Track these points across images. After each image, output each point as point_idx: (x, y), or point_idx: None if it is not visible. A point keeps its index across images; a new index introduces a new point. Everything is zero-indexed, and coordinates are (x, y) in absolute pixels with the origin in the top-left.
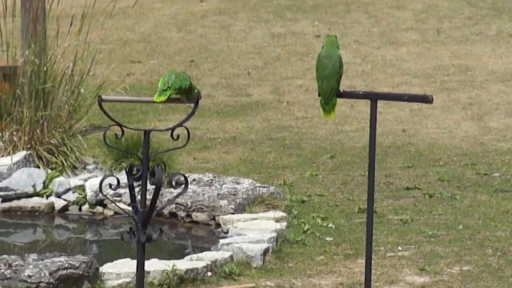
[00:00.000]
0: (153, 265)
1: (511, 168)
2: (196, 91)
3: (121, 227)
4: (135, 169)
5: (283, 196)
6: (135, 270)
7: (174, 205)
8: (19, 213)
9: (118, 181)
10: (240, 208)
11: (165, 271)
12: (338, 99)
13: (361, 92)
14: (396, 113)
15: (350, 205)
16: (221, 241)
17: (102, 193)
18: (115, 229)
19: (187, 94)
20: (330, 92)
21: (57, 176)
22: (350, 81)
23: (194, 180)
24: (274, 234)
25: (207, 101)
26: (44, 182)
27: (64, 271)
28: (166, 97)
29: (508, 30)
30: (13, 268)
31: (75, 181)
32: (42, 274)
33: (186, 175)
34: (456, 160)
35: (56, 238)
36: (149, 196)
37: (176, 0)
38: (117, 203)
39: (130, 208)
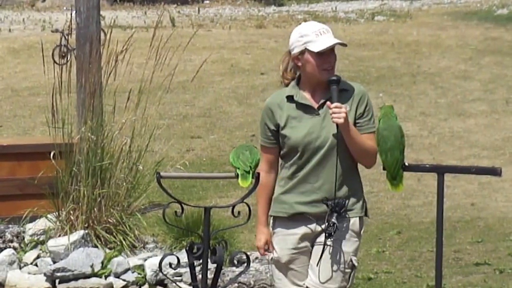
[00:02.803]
0: None
1: None
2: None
3: None
4: (195, 247)
5: (355, 271)
6: None
7: (236, 284)
8: None
9: (179, 260)
10: None
11: None
12: (404, 172)
13: (427, 165)
14: (464, 187)
15: (418, 282)
16: None
17: (162, 273)
18: None
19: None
20: (396, 165)
21: (116, 256)
22: (417, 154)
23: (256, 258)
24: None
25: None
26: (102, 262)
27: None
28: (251, 178)
29: None
30: None
31: (134, 260)
32: None
33: (248, 253)
34: None
35: None
36: (210, 275)
37: (236, 73)
38: (177, 283)
39: None
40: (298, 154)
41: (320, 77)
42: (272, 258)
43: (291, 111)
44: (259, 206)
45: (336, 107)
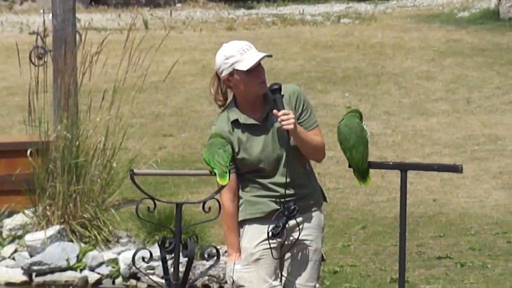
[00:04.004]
0: None
1: None
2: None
3: None
4: (167, 242)
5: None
6: None
7: (206, 277)
8: (53, 287)
9: (151, 254)
10: None
11: None
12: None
13: (391, 163)
14: (427, 183)
15: (382, 275)
16: None
17: (135, 266)
18: None
19: None
20: (363, 159)
21: (91, 250)
22: (381, 151)
23: (226, 252)
24: None
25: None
26: (77, 256)
27: None
28: (229, 175)
29: None
30: None
31: (108, 254)
32: None
33: (218, 247)
34: (487, 229)
35: None
36: (182, 269)
37: (207, 74)
38: (150, 276)
39: (163, 281)
40: (262, 169)
41: (257, 92)
42: (243, 260)
43: (240, 134)
44: (231, 233)
45: (284, 114)
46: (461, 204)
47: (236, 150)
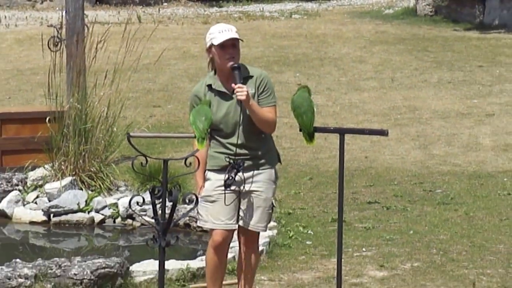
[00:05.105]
0: (172, 265)
1: (450, 186)
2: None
3: (146, 235)
4: (156, 190)
5: (274, 209)
6: (157, 268)
7: (187, 218)
8: (67, 225)
9: (144, 199)
10: None
11: (181, 269)
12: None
13: (332, 128)
14: (360, 144)
15: (325, 216)
16: None
17: (131, 209)
18: (142, 237)
19: None
20: (310, 123)
21: (96, 196)
22: (324, 119)
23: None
24: (267, 239)
25: None
26: (86, 201)
27: (102, 270)
28: (205, 142)
29: (447, 78)
30: (62, 268)
31: (110, 200)
32: (85, 273)
33: (197, 194)
34: (407, 180)
35: (96, 245)
36: (168, 211)
37: (188, 57)
38: (143, 217)
39: (153, 220)
40: (222, 128)
41: (225, 65)
42: (203, 197)
43: (211, 97)
44: (199, 171)
45: (239, 87)
46: (387, 160)
47: None
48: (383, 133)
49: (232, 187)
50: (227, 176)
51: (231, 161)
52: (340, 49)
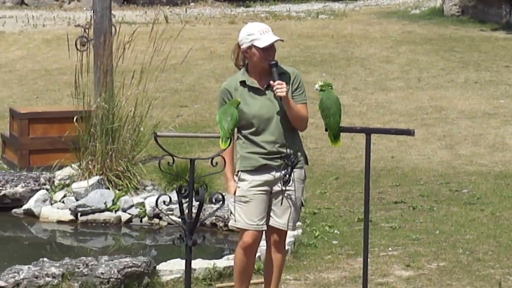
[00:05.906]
0: (198, 264)
1: (476, 186)
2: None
3: (173, 235)
4: (183, 189)
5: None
6: (184, 267)
7: (214, 217)
8: (94, 224)
9: (170, 199)
10: None
11: (208, 268)
12: (341, 132)
13: (358, 128)
14: (386, 144)
15: (351, 216)
16: None
17: (158, 208)
18: (168, 236)
19: None
20: (337, 125)
21: (123, 196)
22: (350, 119)
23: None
24: (292, 239)
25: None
26: (113, 200)
27: (129, 269)
28: (229, 142)
29: (473, 78)
30: (89, 267)
31: (137, 199)
32: (112, 272)
33: (224, 194)
34: (434, 180)
35: (123, 244)
36: (194, 210)
37: (214, 57)
38: (169, 216)
39: (179, 220)
40: (254, 124)
41: (264, 65)
42: (236, 197)
43: (244, 92)
44: (227, 167)
45: (278, 84)
46: (413, 160)
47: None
48: (409, 133)
49: (264, 188)
50: (283, 173)
51: (285, 159)
52: (366, 49)
